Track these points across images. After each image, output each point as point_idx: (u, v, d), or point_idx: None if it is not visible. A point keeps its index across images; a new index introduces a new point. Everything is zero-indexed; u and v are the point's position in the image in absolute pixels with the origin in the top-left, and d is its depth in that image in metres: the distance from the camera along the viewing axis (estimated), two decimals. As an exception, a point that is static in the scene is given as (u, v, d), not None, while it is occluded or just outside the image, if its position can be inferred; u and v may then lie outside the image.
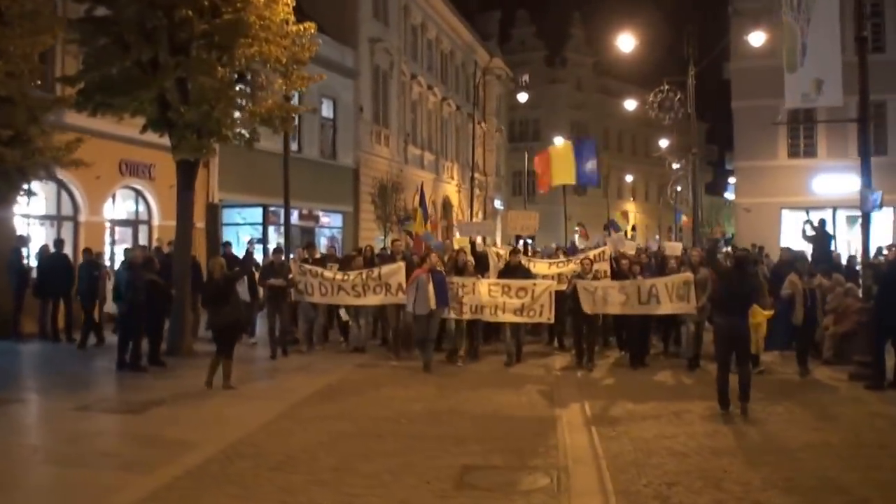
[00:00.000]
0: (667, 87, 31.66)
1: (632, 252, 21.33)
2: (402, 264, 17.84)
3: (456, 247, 21.23)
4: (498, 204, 60.46)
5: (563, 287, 17.40)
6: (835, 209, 35.14)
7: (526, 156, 63.24)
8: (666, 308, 16.48)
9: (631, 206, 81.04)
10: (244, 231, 31.39)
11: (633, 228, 42.54)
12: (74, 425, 11.07)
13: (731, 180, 47.64)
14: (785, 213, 35.50)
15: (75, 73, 16.38)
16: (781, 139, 35.61)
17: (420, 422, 11.49)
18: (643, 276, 17.34)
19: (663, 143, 62.41)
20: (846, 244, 33.75)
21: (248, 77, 18.23)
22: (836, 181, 34.48)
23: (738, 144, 37.07)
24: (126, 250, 17.44)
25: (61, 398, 12.96)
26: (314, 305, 18.60)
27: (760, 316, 13.46)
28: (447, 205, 50.09)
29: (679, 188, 43.81)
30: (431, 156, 47.56)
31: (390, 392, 13.76)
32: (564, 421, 11.53)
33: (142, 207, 25.54)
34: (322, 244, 34.03)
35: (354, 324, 18.94)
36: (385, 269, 17.86)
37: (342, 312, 19.48)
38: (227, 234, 29.39)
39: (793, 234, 33.07)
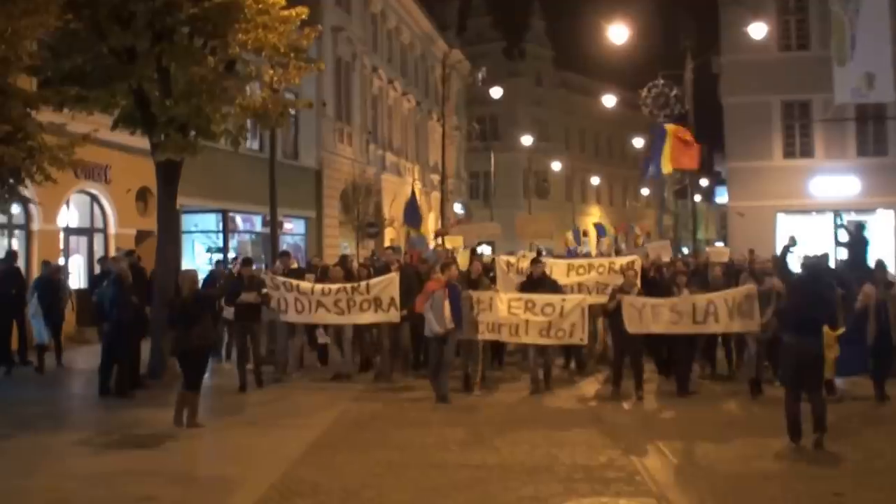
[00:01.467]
0: (661, 81, 31.62)
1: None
2: (395, 276, 16.43)
3: (448, 246, 20.59)
4: (458, 208, 60.25)
5: (598, 300, 16.55)
6: (835, 213, 35.53)
7: (492, 157, 63.29)
8: (724, 326, 15.43)
9: (596, 211, 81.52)
10: (199, 240, 30.65)
11: (648, 235, 42.05)
12: (87, 464, 10.59)
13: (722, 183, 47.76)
14: (780, 216, 35.75)
15: (39, 63, 15.64)
16: (776, 138, 36.03)
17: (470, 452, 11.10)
18: (689, 290, 16.17)
19: (637, 142, 62.67)
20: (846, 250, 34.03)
21: (236, 67, 17.60)
22: (835, 183, 34.95)
23: (729, 144, 37.29)
24: (108, 261, 16.70)
25: (52, 432, 12.43)
26: (290, 325, 17.14)
27: (831, 335, 12.73)
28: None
29: (660, 193, 44.11)
30: (393, 156, 47.13)
31: (410, 436, 12.06)
32: (649, 470, 10.16)
33: (97, 213, 24.71)
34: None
35: (335, 347, 17.70)
36: (375, 281, 16.37)
37: (320, 333, 17.84)
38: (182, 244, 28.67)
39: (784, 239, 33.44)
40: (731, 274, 18.22)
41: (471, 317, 15.41)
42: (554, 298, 15.59)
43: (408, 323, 16.71)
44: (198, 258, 29.59)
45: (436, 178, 56.77)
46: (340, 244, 37.77)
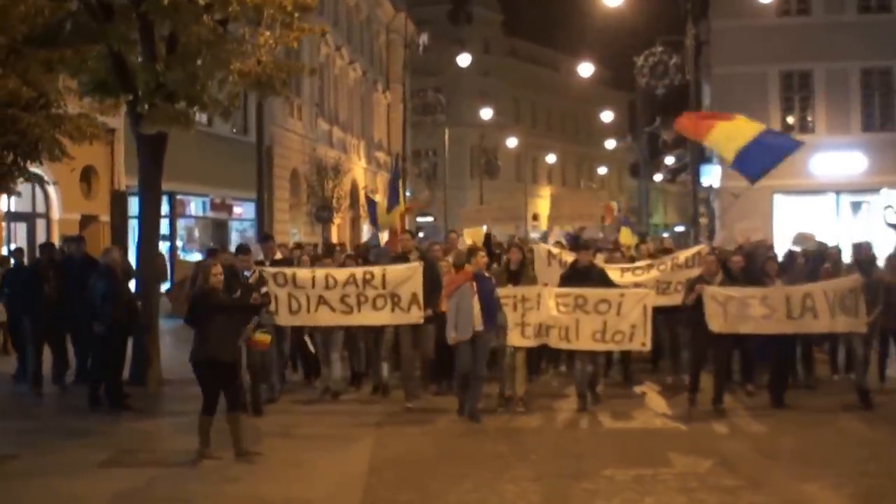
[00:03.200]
0: (660, 49, 31.55)
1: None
2: (418, 266, 14.54)
3: (469, 241, 19.25)
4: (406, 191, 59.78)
5: (660, 301, 15.11)
6: (837, 193, 36.07)
7: (447, 132, 62.68)
8: (825, 324, 14.22)
9: (547, 192, 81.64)
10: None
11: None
12: (136, 488, 10.13)
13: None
14: (778, 198, 36.12)
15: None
16: (774, 112, 36.19)
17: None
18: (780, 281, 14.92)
19: (607, 116, 62.89)
20: (849, 235, 34.47)
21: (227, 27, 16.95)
22: (838, 161, 35.30)
23: (720, 117, 37.34)
24: (103, 251, 15.94)
25: (61, 451, 11.88)
26: (279, 329, 14.82)
27: None
28: (356, 193, 49.09)
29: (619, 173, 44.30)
30: (340, 132, 46.54)
31: (473, 479, 10.29)
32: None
33: (39, 197, 23.81)
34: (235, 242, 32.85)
35: (324, 357, 15.42)
36: (393, 272, 14.58)
37: (308, 339, 16.07)
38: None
39: (789, 223, 33.77)
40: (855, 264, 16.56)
41: (513, 318, 13.93)
42: (610, 294, 14.15)
43: (433, 326, 14.64)
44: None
45: (381, 156, 56.33)
46: (290, 231, 37.18)
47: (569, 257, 16.54)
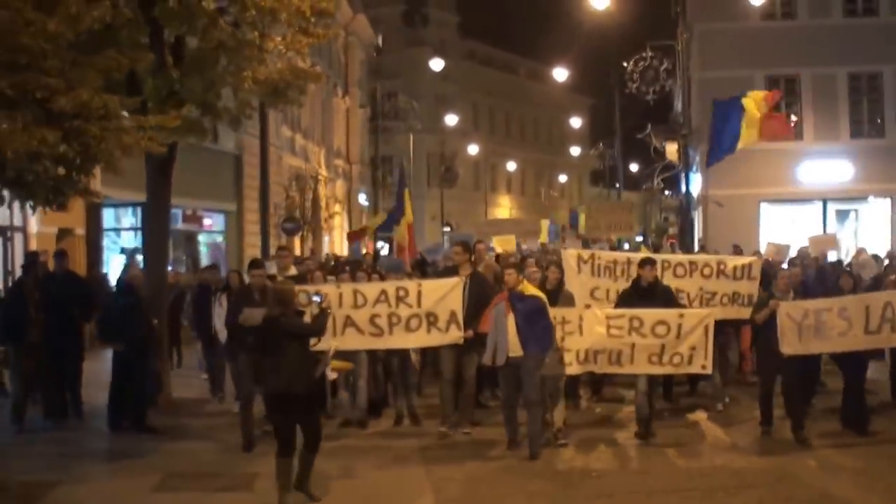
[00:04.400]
0: (650, 53, 32.06)
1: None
2: (458, 281, 13.83)
3: (499, 249, 19.44)
4: (363, 199, 59.98)
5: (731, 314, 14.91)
6: (824, 202, 36.79)
7: (412, 138, 62.71)
8: None
9: (506, 201, 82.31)
10: (113, 238, 29.79)
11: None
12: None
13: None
14: (765, 206, 36.76)
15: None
16: (760, 119, 36.70)
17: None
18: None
19: (575, 122, 63.51)
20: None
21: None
22: (826, 169, 35.98)
23: (703, 125, 37.79)
24: (124, 267, 16.06)
25: (104, 477, 12.16)
26: None
27: None
28: (317, 204, 49.11)
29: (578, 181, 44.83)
30: (301, 139, 46.61)
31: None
32: None
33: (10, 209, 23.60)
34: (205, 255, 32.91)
35: (348, 383, 15.09)
36: (430, 288, 13.89)
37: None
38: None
39: (775, 231, 34.47)
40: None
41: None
42: (668, 315, 13.47)
43: (475, 351, 13.83)
44: (113, 261, 28.70)
45: (340, 163, 56.42)
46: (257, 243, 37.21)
47: (606, 257, 16.39)
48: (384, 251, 40.77)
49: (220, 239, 34.89)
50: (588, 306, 14.36)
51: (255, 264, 14.30)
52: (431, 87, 76.05)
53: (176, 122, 13.26)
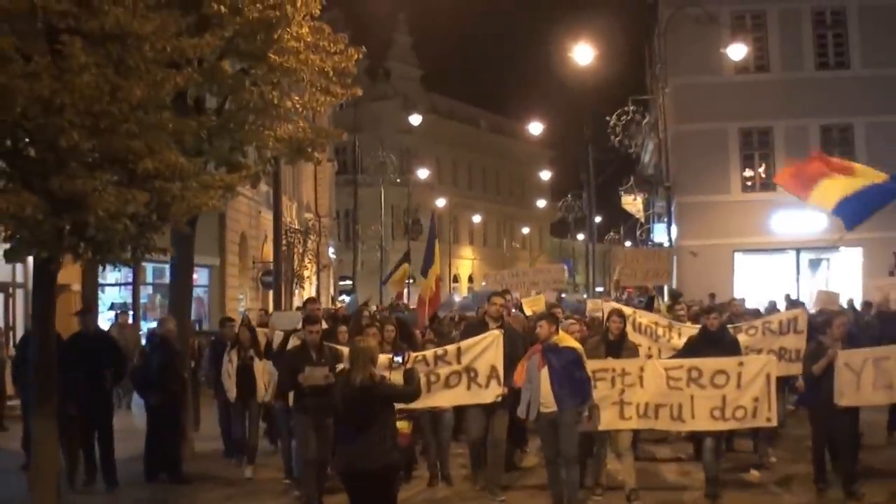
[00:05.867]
0: (632, 108, 32.99)
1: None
2: (498, 334, 13.33)
3: (528, 312, 17.94)
4: (331, 252, 60.33)
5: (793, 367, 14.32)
6: (798, 251, 37.75)
7: (382, 192, 63.14)
8: None
9: (469, 253, 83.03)
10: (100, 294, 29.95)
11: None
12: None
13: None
14: (738, 256, 37.64)
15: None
16: (734, 169, 37.80)
17: None
18: None
19: (545, 174, 64.49)
20: (809, 292, 36.06)
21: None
22: (798, 219, 36.85)
23: (678, 177, 38.71)
24: (159, 322, 16.41)
25: None
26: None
27: None
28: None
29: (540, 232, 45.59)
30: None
31: None
32: None
33: (11, 267, 23.91)
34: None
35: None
36: (469, 345, 13.36)
37: None
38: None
39: (750, 281, 35.38)
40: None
41: (609, 396, 12.86)
42: (727, 364, 12.90)
43: (507, 409, 13.38)
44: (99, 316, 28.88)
45: (310, 217, 56.83)
46: (238, 298, 37.59)
47: (647, 319, 16.25)
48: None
49: (201, 293, 35.09)
50: (650, 356, 14.06)
51: (311, 320, 13.20)
52: (395, 140, 76.89)
53: (240, 182, 13.80)
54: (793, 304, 21.00)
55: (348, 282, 69.30)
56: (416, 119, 52.08)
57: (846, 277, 36.64)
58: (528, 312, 18.55)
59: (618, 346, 13.42)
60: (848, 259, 37.43)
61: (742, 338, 14.87)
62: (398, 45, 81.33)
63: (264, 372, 15.16)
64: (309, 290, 50.69)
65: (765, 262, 37.74)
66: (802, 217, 36.58)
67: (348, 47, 17.64)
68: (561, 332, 12.68)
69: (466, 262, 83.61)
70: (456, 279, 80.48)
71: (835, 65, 37.36)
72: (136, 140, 10.38)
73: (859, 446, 13.77)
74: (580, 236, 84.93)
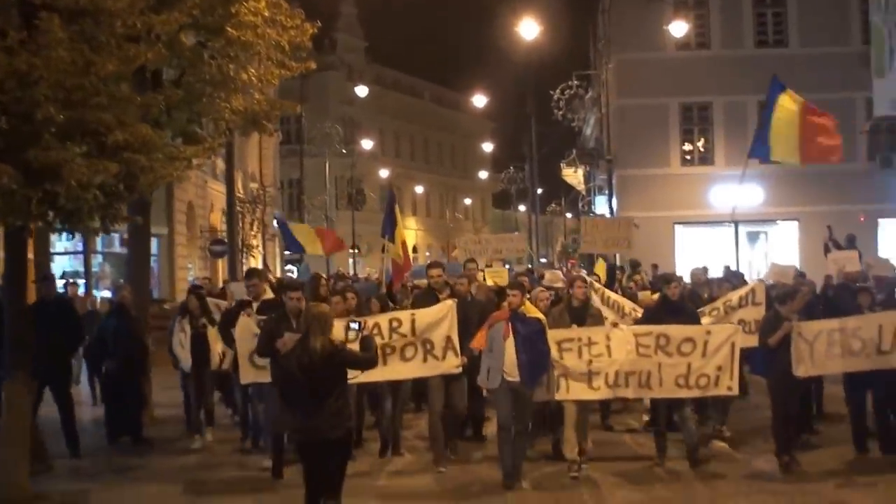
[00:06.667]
0: (576, 83, 33.51)
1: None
2: (451, 304, 13.19)
3: (490, 283, 17.74)
4: (276, 224, 60.36)
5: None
6: (735, 224, 38.49)
7: (326, 164, 63.30)
8: None
9: (413, 223, 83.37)
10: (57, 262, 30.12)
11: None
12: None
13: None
14: (679, 228, 38.41)
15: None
16: (674, 143, 38.50)
17: None
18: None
19: (487, 146, 64.97)
20: (747, 263, 36.93)
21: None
22: (736, 192, 37.69)
23: (620, 151, 39.37)
24: (115, 289, 16.73)
25: (127, 483, 12.88)
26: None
27: None
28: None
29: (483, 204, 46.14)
30: (223, 163, 47.07)
31: None
32: None
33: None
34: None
35: None
36: (423, 316, 13.10)
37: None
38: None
39: (690, 252, 36.18)
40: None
41: (577, 366, 12.68)
42: (696, 332, 12.93)
43: (465, 378, 13.34)
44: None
45: (255, 187, 56.90)
46: (188, 268, 37.83)
47: (614, 298, 16.29)
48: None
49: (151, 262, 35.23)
50: (615, 325, 13.71)
51: (293, 286, 13.19)
52: (339, 111, 76.95)
53: (204, 154, 14.16)
54: (732, 275, 21.46)
55: (288, 252, 69.49)
56: (362, 90, 52.27)
57: (783, 250, 37.52)
58: (490, 283, 18.52)
59: (582, 312, 13.33)
60: (785, 232, 38.40)
61: (705, 320, 14.73)
62: (344, 17, 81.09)
63: (217, 340, 14.84)
64: (257, 260, 50.98)
65: (704, 235, 38.39)
66: (741, 190, 37.50)
67: (304, 22, 18.05)
68: (527, 302, 12.55)
69: (410, 233, 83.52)
70: (382, 249, 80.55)
71: (773, 43, 38.18)
72: (106, 112, 10.70)
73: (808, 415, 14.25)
74: (522, 207, 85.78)
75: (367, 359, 9.66)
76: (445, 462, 13.23)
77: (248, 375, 13.01)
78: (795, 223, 37.71)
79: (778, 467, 12.74)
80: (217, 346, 14.98)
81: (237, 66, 17.55)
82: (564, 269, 33.87)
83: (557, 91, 34.82)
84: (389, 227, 19.64)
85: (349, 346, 9.85)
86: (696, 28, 37.83)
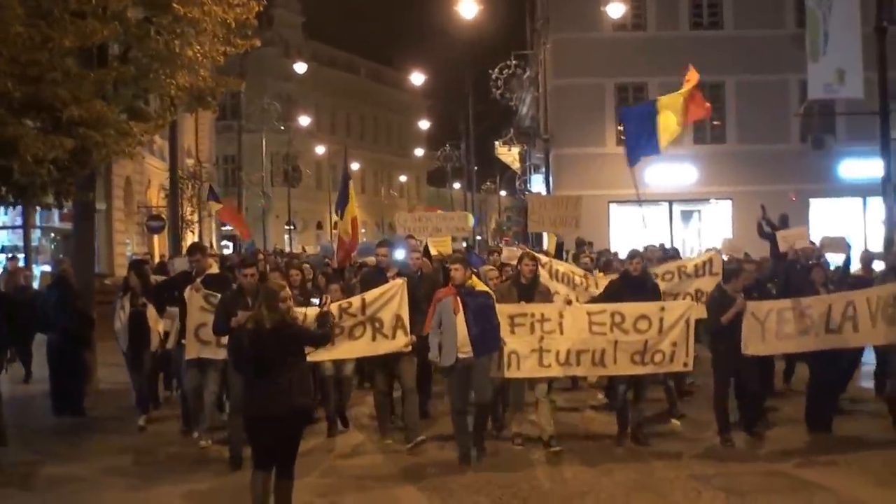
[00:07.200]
0: (514, 62, 33.76)
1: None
2: (400, 283, 13.10)
3: (434, 252, 18.12)
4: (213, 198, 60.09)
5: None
6: (670, 203, 39.18)
7: (251, 138, 63.04)
8: (867, 337, 13.38)
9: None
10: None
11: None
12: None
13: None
14: (613, 207, 38.86)
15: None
16: (609, 124, 38.86)
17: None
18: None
19: (423, 124, 65.07)
20: (681, 241, 37.62)
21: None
22: (671, 172, 38.29)
23: (556, 130, 39.77)
24: (56, 262, 16.66)
25: (78, 462, 12.77)
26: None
27: None
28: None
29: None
30: (160, 138, 46.79)
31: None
32: None
33: None
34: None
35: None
36: (373, 295, 12.99)
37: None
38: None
39: (625, 231, 36.71)
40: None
41: (528, 343, 12.63)
42: (650, 308, 12.85)
43: (414, 357, 13.21)
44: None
45: (190, 163, 56.60)
46: (126, 243, 37.68)
47: (563, 268, 16.21)
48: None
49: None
50: (569, 302, 13.48)
51: (248, 262, 12.69)
52: (276, 87, 76.64)
53: (155, 131, 14.23)
54: (665, 253, 21.89)
55: (228, 227, 69.22)
56: (301, 67, 52.13)
57: (717, 229, 38.19)
58: (434, 252, 18.61)
59: (530, 290, 13.07)
60: (718, 211, 39.06)
61: (659, 283, 14.94)
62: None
63: (158, 319, 14.55)
64: (195, 236, 50.85)
65: (638, 213, 38.84)
66: (675, 170, 38.08)
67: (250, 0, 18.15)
68: (474, 277, 12.51)
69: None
70: (335, 226, 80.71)
71: (708, 25, 38.84)
72: (61, 88, 10.79)
73: (766, 395, 14.20)
74: (457, 185, 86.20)
75: (322, 335, 9.65)
76: (415, 437, 12.83)
77: (192, 350, 12.79)
78: (729, 202, 38.29)
79: (721, 443, 12.88)
80: (158, 326, 14.59)
81: (182, 43, 17.60)
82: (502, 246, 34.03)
83: (496, 70, 35.09)
84: (342, 204, 19.51)
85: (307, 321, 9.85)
86: (633, 10, 38.20)
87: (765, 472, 11.75)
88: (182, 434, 14.01)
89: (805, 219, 34.45)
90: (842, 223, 30.51)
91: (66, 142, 10.51)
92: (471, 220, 29.35)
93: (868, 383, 16.64)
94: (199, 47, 18.06)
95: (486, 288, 12.51)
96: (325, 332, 9.68)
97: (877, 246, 22.44)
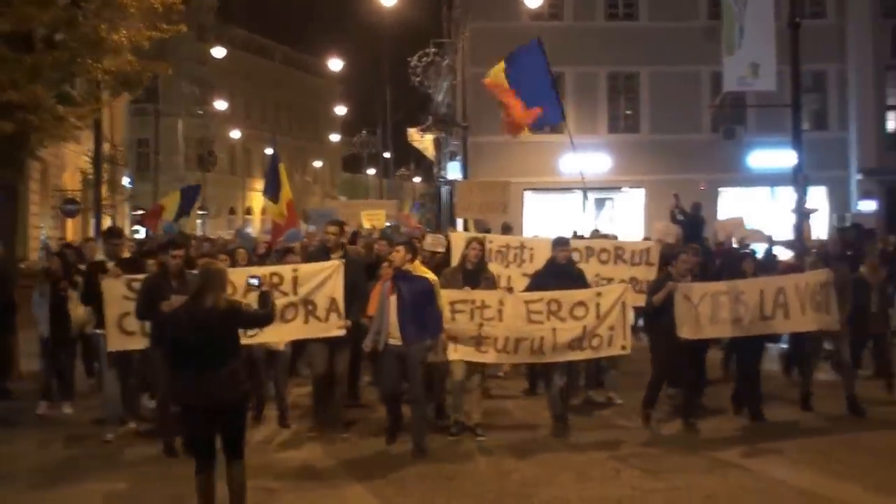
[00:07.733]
0: (433, 50, 33.99)
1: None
2: (338, 264, 12.60)
3: (367, 225, 18.44)
4: (127, 182, 59.47)
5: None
6: (584, 191, 39.72)
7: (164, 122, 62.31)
8: (798, 323, 13.56)
9: (261, 185, 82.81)
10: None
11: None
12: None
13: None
14: (528, 194, 39.48)
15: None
16: (525, 112, 39.26)
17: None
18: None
19: (340, 110, 65.01)
20: (594, 229, 38.13)
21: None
22: (585, 160, 38.76)
23: (474, 118, 40.07)
24: None
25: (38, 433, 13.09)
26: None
27: None
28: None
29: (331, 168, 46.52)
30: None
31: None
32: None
33: None
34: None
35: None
36: (306, 272, 12.60)
37: None
38: None
39: (539, 218, 37.23)
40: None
41: (467, 329, 12.60)
42: (586, 295, 12.93)
43: (349, 343, 12.86)
44: None
45: (106, 147, 55.91)
46: (41, 228, 37.22)
47: (498, 241, 16.18)
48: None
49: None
50: (510, 289, 13.48)
51: (178, 243, 12.51)
52: (190, 71, 75.89)
53: (91, 115, 14.29)
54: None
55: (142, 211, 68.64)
56: (219, 51, 51.72)
57: (629, 216, 38.95)
58: (367, 225, 18.59)
59: (475, 275, 12.98)
60: (631, 199, 39.82)
61: (594, 263, 15.40)
62: (194, -26, 79.92)
63: (79, 305, 14.11)
64: (110, 220, 50.34)
65: (553, 201, 39.45)
66: (589, 158, 38.61)
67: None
68: (416, 261, 12.14)
69: (258, 195, 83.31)
70: (249, 211, 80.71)
71: (623, 16, 39.69)
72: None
73: (704, 383, 14.19)
74: (371, 171, 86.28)
75: (265, 315, 9.44)
76: (340, 427, 12.83)
77: (115, 342, 12.24)
78: (642, 190, 39.06)
79: (641, 419, 13.27)
80: (79, 311, 14.22)
81: (109, 27, 17.64)
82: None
83: (415, 58, 35.29)
84: (272, 187, 19.53)
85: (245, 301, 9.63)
86: (550, 0, 38.69)
87: (684, 453, 11.99)
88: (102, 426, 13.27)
89: (714, 207, 35.53)
90: (750, 211, 31.21)
91: (5, 126, 10.57)
92: (407, 207, 29.44)
93: (775, 365, 17.09)
94: (125, 32, 18.17)
95: (427, 273, 12.12)
96: (267, 312, 9.41)
97: (785, 234, 23.16)
